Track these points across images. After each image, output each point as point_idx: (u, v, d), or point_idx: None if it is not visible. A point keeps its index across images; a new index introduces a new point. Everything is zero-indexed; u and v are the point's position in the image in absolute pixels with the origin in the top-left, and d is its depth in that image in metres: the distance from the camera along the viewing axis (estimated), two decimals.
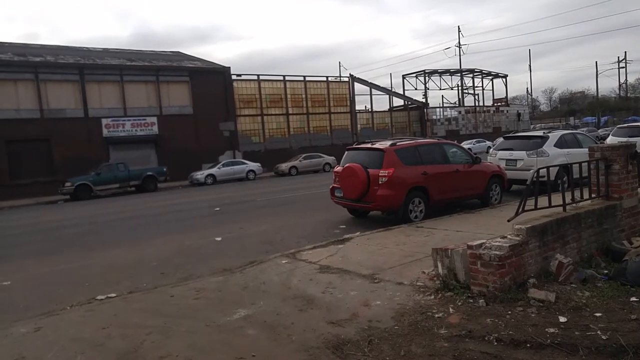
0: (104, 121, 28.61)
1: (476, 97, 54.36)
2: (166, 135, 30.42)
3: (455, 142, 16.36)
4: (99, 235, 10.83)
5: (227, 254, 7.64)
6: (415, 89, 53.01)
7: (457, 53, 57.66)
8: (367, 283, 5.23)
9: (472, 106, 51.39)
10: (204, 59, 38.09)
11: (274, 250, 7.50)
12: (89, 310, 5.00)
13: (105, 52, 34.45)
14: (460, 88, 53.02)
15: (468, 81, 54.31)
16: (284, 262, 6.43)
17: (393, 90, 47.91)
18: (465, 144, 32.73)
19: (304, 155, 32.64)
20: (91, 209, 17.27)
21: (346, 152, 10.24)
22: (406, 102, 46.42)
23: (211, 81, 32.80)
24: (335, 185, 10.02)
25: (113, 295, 5.58)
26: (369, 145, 9.94)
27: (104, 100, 28.88)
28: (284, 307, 4.60)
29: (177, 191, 24.04)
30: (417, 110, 45.65)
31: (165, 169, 26.31)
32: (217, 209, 13.99)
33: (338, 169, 10.09)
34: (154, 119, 30.46)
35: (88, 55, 31.56)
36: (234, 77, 34.45)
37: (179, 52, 40.65)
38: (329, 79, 40.34)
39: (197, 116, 31.89)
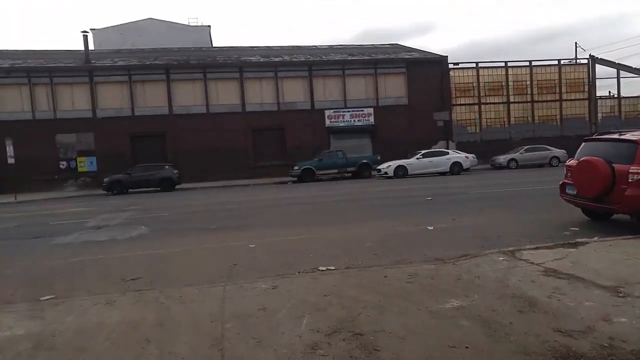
0: (327, 112, 31.60)
1: None
2: (381, 126, 31.80)
3: None
4: (319, 214, 12.08)
5: (439, 243, 7.57)
6: None
7: None
8: (607, 295, 4.48)
9: None
10: (421, 49, 38.23)
11: (489, 245, 7.09)
12: (313, 278, 5.63)
13: (330, 49, 37.87)
14: None
15: None
16: (500, 259, 6.02)
17: None
18: None
19: (526, 147, 29.84)
20: (313, 190, 19.37)
21: (583, 144, 8.91)
22: None
23: (427, 71, 32.77)
24: (566, 181, 8.85)
25: (332, 268, 6.16)
26: (615, 137, 8.41)
27: (327, 93, 31.86)
28: (500, 305, 4.32)
29: (387, 180, 24.94)
30: None
31: (379, 158, 27.59)
32: (429, 198, 13.98)
33: (571, 162, 8.86)
34: (371, 110, 32.15)
35: (316, 53, 35.24)
36: (450, 66, 33.66)
37: (396, 44, 41.77)
38: (561, 62, 35.60)
39: (412, 107, 32.35)
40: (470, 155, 26.58)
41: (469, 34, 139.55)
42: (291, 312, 4.41)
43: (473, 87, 34.26)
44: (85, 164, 28.52)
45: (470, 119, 34.31)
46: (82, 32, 31.30)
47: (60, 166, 28.24)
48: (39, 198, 23.01)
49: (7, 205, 20.54)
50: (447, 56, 33.63)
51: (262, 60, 32.06)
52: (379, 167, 25.70)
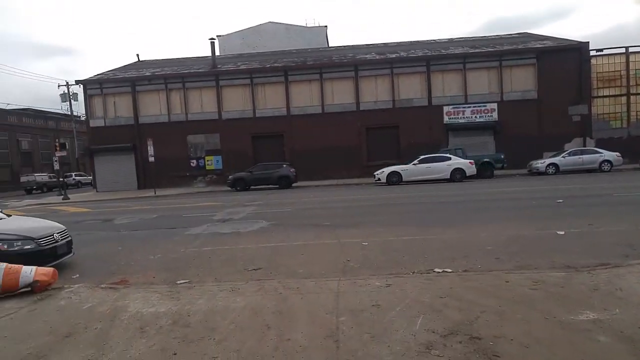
0: (445, 109, 30.56)
1: None
2: (506, 122, 29.87)
3: None
4: (434, 214, 11.79)
5: (571, 250, 6.95)
6: None
7: None
8: None
9: None
10: (556, 37, 35.02)
11: (636, 255, 6.32)
12: (428, 279, 5.57)
13: (450, 42, 36.53)
14: None
15: None
16: None
17: None
18: None
19: None
20: (428, 190, 18.90)
21: None
22: None
23: (562, 60, 29.94)
24: None
25: (449, 270, 6.03)
26: None
27: (446, 88, 30.81)
28: None
29: (514, 179, 23.31)
30: None
31: (502, 156, 25.95)
32: (560, 200, 12.82)
33: None
34: (494, 105, 30.35)
35: (434, 47, 34.27)
36: (592, 53, 30.29)
37: (525, 32, 38.82)
38: None
39: (542, 100, 29.84)
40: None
41: (616, 17, 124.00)
42: (405, 311, 4.44)
43: (620, 75, 30.42)
44: (212, 163, 31.32)
45: (614, 113, 30.54)
46: (210, 39, 34.42)
47: (191, 164, 31.39)
48: (173, 193, 25.88)
49: (148, 199, 23.46)
50: (588, 42, 30.33)
51: (377, 57, 32.12)
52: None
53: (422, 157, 23.87)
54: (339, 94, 31.04)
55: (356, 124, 30.72)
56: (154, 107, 31.67)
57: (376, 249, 7.83)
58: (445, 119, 30.63)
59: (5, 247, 6.74)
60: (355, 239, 8.70)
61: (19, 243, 6.92)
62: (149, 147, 26.68)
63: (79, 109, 51.58)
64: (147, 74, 32.72)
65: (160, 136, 29.85)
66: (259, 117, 31.06)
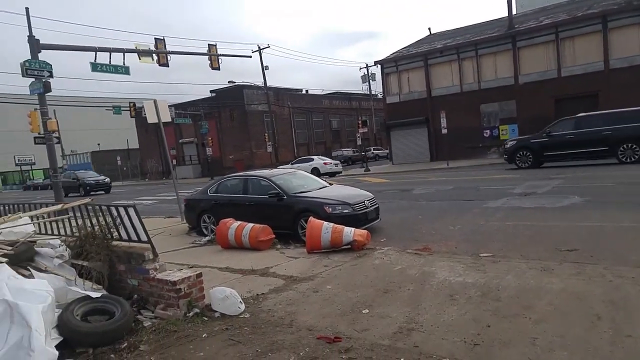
0: None
1: None
2: None
3: None
4: None
5: None
6: None
7: None
8: None
9: None
10: None
11: None
12: None
13: None
14: None
15: None
16: None
17: None
18: None
19: None
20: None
21: None
22: None
23: None
24: None
25: None
26: None
27: None
28: None
29: None
30: None
31: None
32: None
33: None
34: None
35: None
36: None
37: None
38: None
39: None
40: None
41: None
42: None
43: None
44: (507, 132, 29.74)
45: None
46: None
47: (484, 135, 30.60)
48: (466, 165, 25.88)
49: (441, 170, 24.22)
50: None
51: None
52: None
53: None
54: None
55: None
56: (446, 79, 32.11)
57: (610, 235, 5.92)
58: None
59: (330, 210, 8.12)
60: None
61: (339, 207, 8.22)
62: (441, 119, 27.35)
63: (377, 87, 57.11)
64: (439, 46, 33.32)
65: (452, 107, 30.12)
66: (566, 76, 27.56)
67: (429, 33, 40.29)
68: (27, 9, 15.26)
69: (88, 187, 31.71)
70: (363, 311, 4.37)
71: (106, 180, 33.75)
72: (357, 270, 5.86)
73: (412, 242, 7.55)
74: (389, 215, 10.19)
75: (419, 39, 39.46)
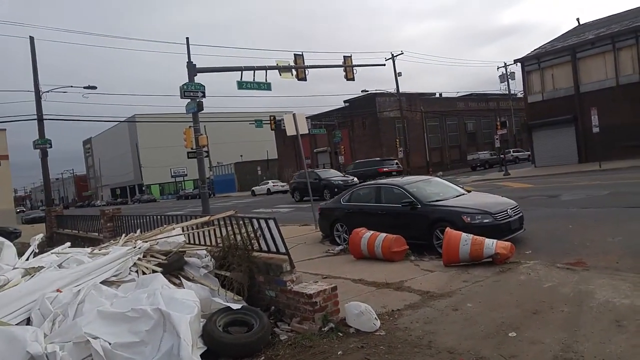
0: None
1: None
2: None
3: None
4: None
5: None
6: None
7: None
8: None
9: None
10: None
11: None
12: None
13: None
14: None
15: None
16: None
17: None
18: None
19: None
20: None
21: None
22: None
23: None
24: None
25: None
26: None
27: None
28: None
29: None
30: None
31: None
32: None
33: None
34: None
35: None
36: None
37: None
38: None
39: None
40: None
41: None
42: None
43: None
44: None
45: None
46: None
47: None
48: (623, 166, 22.56)
49: (592, 173, 21.48)
50: None
51: None
52: None
53: None
54: None
55: None
56: (598, 72, 28.51)
57: None
58: None
59: (469, 219, 7.62)
60: None
61: (479, 217, 7.67)
62: (592, 117, 24.35)
63: (516, 87, 53.00)
64: (590, 37, 29.78)
65: (605, 103, 26.62)
66: None
67: (577, 24, 36.28)
68: (187, 38, 17.21)
69: (336, 190, 21.81)
70: (509, 334, 3.99)
71: (354, 180, 25.09)
72: (500, 287, 5.41)
73: (562, 255, 6.76)
74: (534, 224, 9.24)
75: (564, 31, 35.74)
